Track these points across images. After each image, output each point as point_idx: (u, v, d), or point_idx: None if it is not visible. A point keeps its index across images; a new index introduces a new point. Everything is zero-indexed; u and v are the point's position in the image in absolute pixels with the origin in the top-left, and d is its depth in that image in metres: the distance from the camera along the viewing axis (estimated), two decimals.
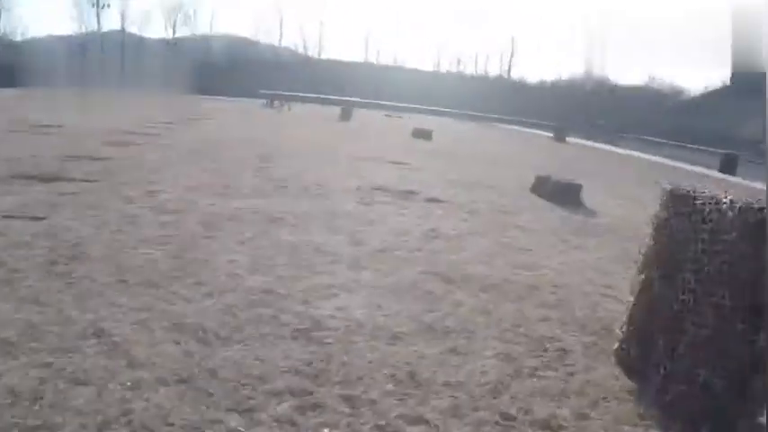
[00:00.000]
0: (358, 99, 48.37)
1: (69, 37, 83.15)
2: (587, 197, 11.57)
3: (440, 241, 6.92)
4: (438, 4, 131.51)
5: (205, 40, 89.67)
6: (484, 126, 42.47)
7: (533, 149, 26.28)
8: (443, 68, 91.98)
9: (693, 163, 32.85)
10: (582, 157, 26.99)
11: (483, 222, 8.29)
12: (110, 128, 16.13)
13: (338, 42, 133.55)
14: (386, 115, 39.35)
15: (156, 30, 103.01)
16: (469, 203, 9.53)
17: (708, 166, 31.28)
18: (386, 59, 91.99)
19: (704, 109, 76.50)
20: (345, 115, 32.40)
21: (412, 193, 9.83)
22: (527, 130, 45.26)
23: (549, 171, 14.86)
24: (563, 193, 11.37)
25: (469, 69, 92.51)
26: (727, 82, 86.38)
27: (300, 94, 44.46)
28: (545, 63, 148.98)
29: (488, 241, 7.23)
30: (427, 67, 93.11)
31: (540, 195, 11.50)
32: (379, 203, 8.72)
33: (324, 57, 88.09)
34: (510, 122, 50.37)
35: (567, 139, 37.11)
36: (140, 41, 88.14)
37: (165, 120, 21.25)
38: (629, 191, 15.33)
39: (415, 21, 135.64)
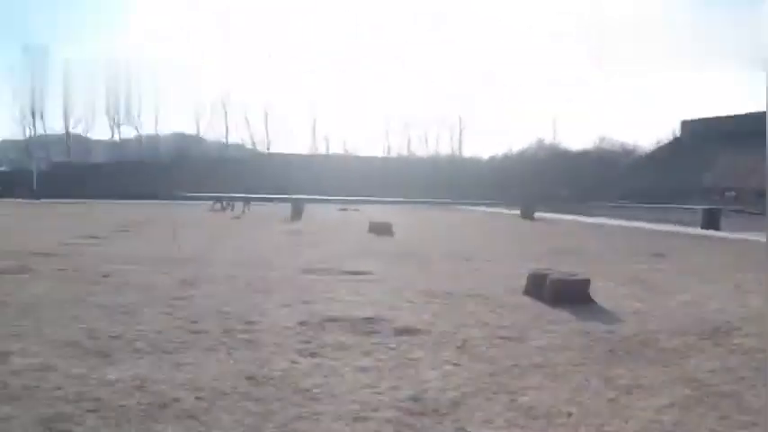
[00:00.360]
0: (310, 195, 46.11)
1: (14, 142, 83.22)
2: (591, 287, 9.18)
3: (429, 422, 4.29)
4: (384, 85, 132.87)
5: (151, 140, 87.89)
6: (444, 210, 40.40)
7: (505, 233, 24.02)
8: (394, 153, 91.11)
9: (669, 222, 31.47)
10: (557, 233, 24.83)
11: (483, 366, 5.66)
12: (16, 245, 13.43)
13: (286, 134, 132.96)
14: (340, 209, 37.03)
15: (103, 131, 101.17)
16: (455, 330, 6.91)
17: (686, 224, 29.85)
18: (335, 148, 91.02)
19: (658, 165, 76.19)
20: (296, 214, 29.99)
21: (376, 321, 7.19)
22: (489, 209, 43.32)
23: (532, 257, 12.67)
24: (567, 293, 8.89)
25: (420, 151, 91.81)
26: (677, 134, 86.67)
27: (249, 195, 41.85)
28: (495, 137, 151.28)
29: (502, 406, 4.61)
30: (378, 152, 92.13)
31: (538, 298, 8.99)
32: (331, 349, 6.05)
33: (273, 150, 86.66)
34: (469, 203, 48.57)
35: (535, 214, 35.07)
36: (86, 143, 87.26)
37: (86, 234, 18.60)
38: (630, 270, 13.01)
39: (362, 105, 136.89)
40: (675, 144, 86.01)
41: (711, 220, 29.31)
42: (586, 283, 9.13)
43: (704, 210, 31.27)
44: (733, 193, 61.11)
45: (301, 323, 7.05)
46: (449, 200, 51.76)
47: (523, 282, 9.73)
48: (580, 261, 14.22)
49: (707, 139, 76.36)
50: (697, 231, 27.55)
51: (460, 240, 19.08)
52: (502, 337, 6.65)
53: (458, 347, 6.17)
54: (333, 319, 7.20)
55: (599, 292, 9.27)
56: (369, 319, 7.23)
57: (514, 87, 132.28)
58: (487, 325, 7.22)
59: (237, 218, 26.58)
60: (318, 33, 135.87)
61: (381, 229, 20.18)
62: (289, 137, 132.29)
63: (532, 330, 7.04)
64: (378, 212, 30.28)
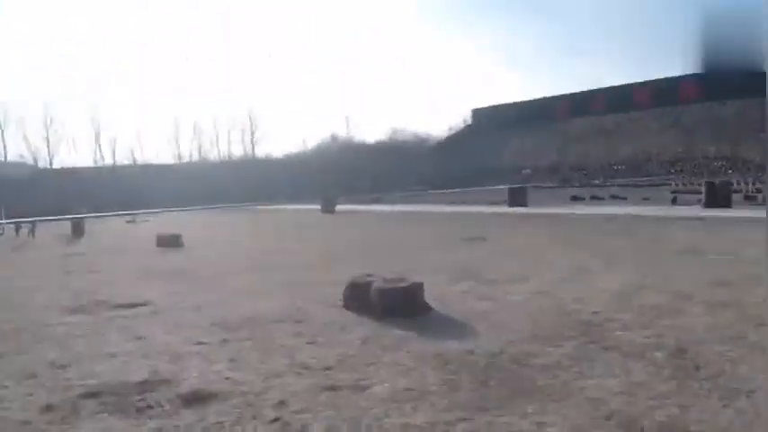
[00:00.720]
0: (100, 209, 41.78)
1: None
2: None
3: None
4: (171, 89, 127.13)
5: None
6: (241, 213, 38.04)
7: (308, 232, 22.30)
8: (185, 158, 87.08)
9: (474, 204, 31.79)
10: (363, 226, 23.48)
11: None
12: None
13: (69, 147, 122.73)
14: (128, 222, 33.58)
15: None
16: (264, 387, 4.87)
17: (492, 203, 30.34)
18: (123, 158, 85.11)
19: (452, 151, 79.07)
20: (76, 234, 26.44)
21: (153, 386, 5.03)
22: (289, 207, 41.61)
23: (343, 257, 11.45)
24: (399, 303, 7.29)
25: (212, 154, 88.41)
26: (469, 121, 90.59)
27: (24, 219, 36.92)
28: (291, 136, 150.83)
29: None
30: (168, 159, 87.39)
31: (362, 312, 7.34)
32: None
33: (57, 166, 78.87)
34: (267, 202, 46.51)
35: (337, 208, 33.77)
36: None
37: None
38: (455, 260, 11.83)
39: (149, 111, 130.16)
40: (467, 131, 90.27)
41: (517, 198, 29.92)
42: (419, 287, 7.59)
43: (509, 189, 32.08)
44: (529, 171, 64.64)
45: (46, 409, 4.72)
46: (246, 202, 49.32)
47: (340, 291, 8.06)
48: (397, 256, 12.81)
49: (497, 124, 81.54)
50: (506, 210, 27.72)
51: (260, 245, 17.07)
52: (331, 388, 4.80)
53: (272, 421, 4.23)
54: (92, 394, 4.93)
55: (431, 292, 7.79)
56: (143, 384, 5.06)
57: (307, 85, 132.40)
58: (308, 368, 5.34)
59: (17, 248, 22.56)
60: (98, 36, 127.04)
61: (170, 242, 17.68)
62: (72, 150, 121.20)
63: (369, 367, 5.28)
64: (169, 222, 27.56)
